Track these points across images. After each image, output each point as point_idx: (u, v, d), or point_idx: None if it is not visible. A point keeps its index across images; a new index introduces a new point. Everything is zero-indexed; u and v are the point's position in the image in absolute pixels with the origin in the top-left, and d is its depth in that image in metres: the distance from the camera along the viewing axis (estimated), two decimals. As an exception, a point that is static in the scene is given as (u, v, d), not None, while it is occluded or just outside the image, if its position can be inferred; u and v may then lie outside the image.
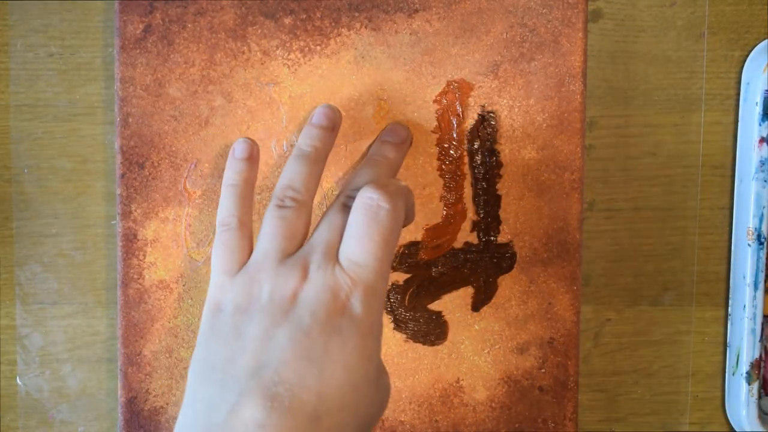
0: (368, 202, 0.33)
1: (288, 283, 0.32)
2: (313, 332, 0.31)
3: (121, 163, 0.41)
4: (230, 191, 0.36)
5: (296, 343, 0.31)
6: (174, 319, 0.41)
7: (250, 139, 0.38)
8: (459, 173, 0.41)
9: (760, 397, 0.44)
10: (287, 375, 0.30)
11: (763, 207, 0.43)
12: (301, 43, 0.40)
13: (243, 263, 0.34)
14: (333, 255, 0.33)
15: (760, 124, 0.43)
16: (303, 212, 0.35)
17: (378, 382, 0.32)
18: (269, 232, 0.34)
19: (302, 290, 0.32)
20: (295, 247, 0.34)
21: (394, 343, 0.42)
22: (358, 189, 0.35)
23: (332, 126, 0.38)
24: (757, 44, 0.43)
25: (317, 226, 0.35)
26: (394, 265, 0.41)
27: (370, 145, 0.40)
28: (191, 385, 0.32)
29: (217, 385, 0.31)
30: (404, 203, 0.34)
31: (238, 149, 0.38)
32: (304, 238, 0.35)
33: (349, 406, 0.31)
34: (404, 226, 0.35)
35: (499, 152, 0.41)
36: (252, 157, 0.38)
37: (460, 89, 0.41)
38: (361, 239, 0.33)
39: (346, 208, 0.34)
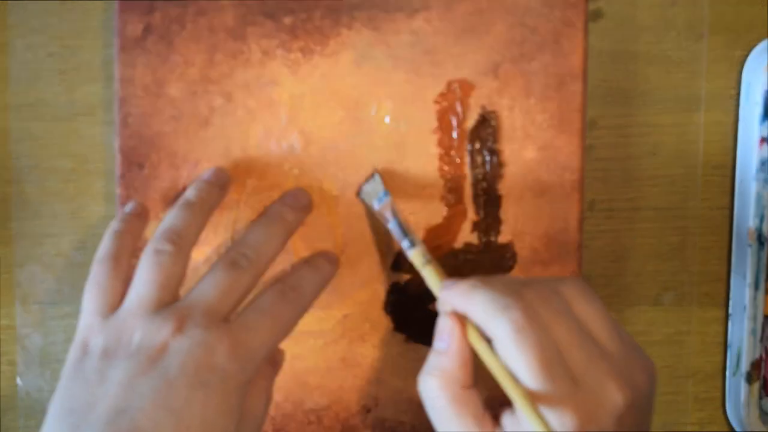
0: (281, 288, 0.35)
1: (160, 332, 0.32)
2: (178, 383, 0.31)
3: (121, 163, 0.40)
4: (113, 236, 0.37)
5: (158, 393, 0.31)
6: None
7: (141, 202, 0.39)
8: (459, 174, 0.41)
9: (760, 398, 0.44)
10: (143, 423, 0.30)
11: (764, 207, 0.43)
12: (301, 43, 0.40)
13: (115, 305, 0.34)
14: (214, 316, 0.33)
15: (760, 124, 0.43)
16: (180, 259, 0.35)
17: None
18: (145, 278, 0.34)
19: (174, 341, 0.32)
20: (169, 295, 0.34)
21: (394, 344, 0.42)
22: (250, 247, 0.35)
23: (221, 184, 0.39)
24: (758, 44, 0.43)
25: (203, 278, 0.35)
26: (395, 265, 0.41)
27: (269, 206, 0.40)
28: (46, 429, 0.32)
29: (71, 429, 0.31)
30: (316, 296, 0.37)
31: (128, 206, 0.39)
32: (179, 285, 0.35)
33: None
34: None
35: (499, 152, 0.41)
36: (140, 215, 0.39)
37: (460, 89, 0.41)
38: (260, 319, 0.34)
39: (235, 266, 0.35)
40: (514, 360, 0.31)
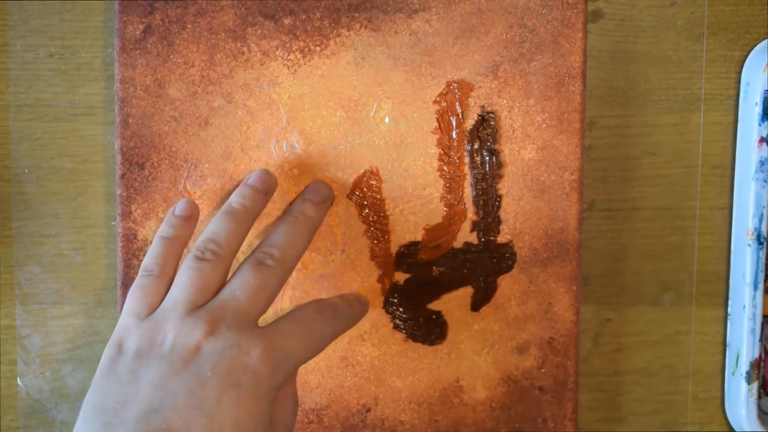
0: (319, 305, 0.36)
1: (193, 334, 0.33)
2: (210, 384, 0.31)
3: (121, 163, 0.41)
4: (162, 242, 0.37)
5: (191, 393, 0.31)
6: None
7: (192, 201, 0.39)
8: (459, 174, 0.41)
9: (759, 397, 0.44)
10: (175, 422, 0.30)
11: (763, 207, 0.43)
12: (301, 44, 0.40)
13: (153, 309, 0.34)
14: (246, 318, 0.34)
15: (759, 124, 0.43)
16: (220, 267, 0.35)
17: None
18: (183, 282, 0.34)
19: (207, 343, 0.32)
20: (206, 299, 0.34)
21: (393, 343, 0.42)
22: (275, 246, 0.36)
23: (266, 190, 0.39)
24: (757, 44, 0.43)
25: (231, 278, 0.35)
26: (396, 265, 0.41)
27: (292, 202, 0.40)
28: (78, 427, 0.32)
29: (103, 428, 0.30)
30: (351, 318, 0.38)
31: (179, 207, 0.38)
32: (218, 292, 0.35)
33: None
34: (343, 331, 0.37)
35: (499, 152, 0.41)
36: (191, 217, 0.38)
37: (459, 90, 0.41)
38: (296, 328, 0.34)
39: (261, 266, 0.35)
40: None
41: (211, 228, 0.36)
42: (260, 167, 0.41)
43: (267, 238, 0.37)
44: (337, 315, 0.37)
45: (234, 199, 0.38)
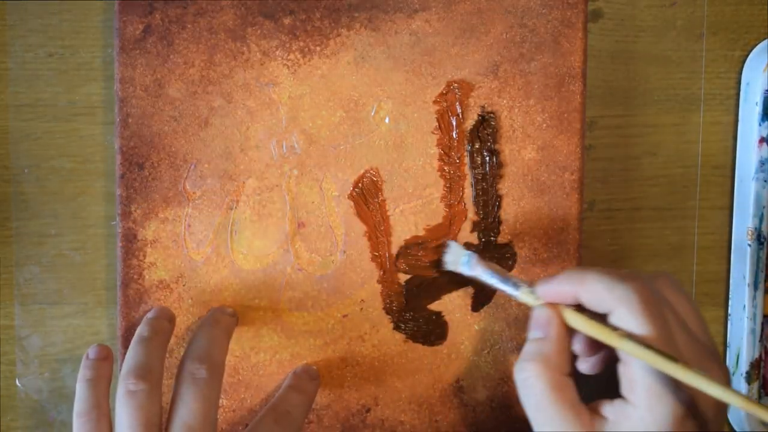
0: (274, 416, 0.38)
1: None
2: None
3: (121, 163, 0.40)
4: (87, 385, 0.37)
5: None
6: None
7: (103, 344, 0.39)
8: (459, 174, 0.41)
9: (760, 397, 0.44)
10: None
11: (763, 207, 0.43)
12: (301, 44, 0.40)
13: None
14: None
15: (760, 124, 0.43)
16: (155, 394, 0.35)
17: None
18: (127, 424, 0.35)
19: None
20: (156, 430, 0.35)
21: (393, 344, 0.42)
22: (202, 354, 0.36)
23: (167, 317, 0.40)
24: (757, 44, 0.43)
25: (174, 405, 0.35)
26: (396, 266, 0.41)
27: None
28: None
29: None
30: (306, 416, 0.40)
31: (92, 351, 0.38)
32: (160, 419, 0.35)
33: None
34: None
35: (499, 152, 0.41)
36: (107, 357, 0.38)
37: (460, 90, 0.41)
38: None
39: (197, 381, 0.35)
40: (639, 328, 0.31)
41: (131, 359, 0.37)
42: (260, 167, 0.41)
43: (190, 350, 0.37)
44: (294, 418, 0.38)
45: (142, 329, 0.38)
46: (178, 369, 0.36)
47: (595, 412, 0.32)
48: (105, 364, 0.38)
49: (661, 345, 0.30)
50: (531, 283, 0.35)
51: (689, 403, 0.30)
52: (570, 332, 0.34)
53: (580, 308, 0.33)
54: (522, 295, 0.35)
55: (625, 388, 0.32)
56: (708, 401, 0.31)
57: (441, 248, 0.41)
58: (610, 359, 0.34)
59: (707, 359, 0.32)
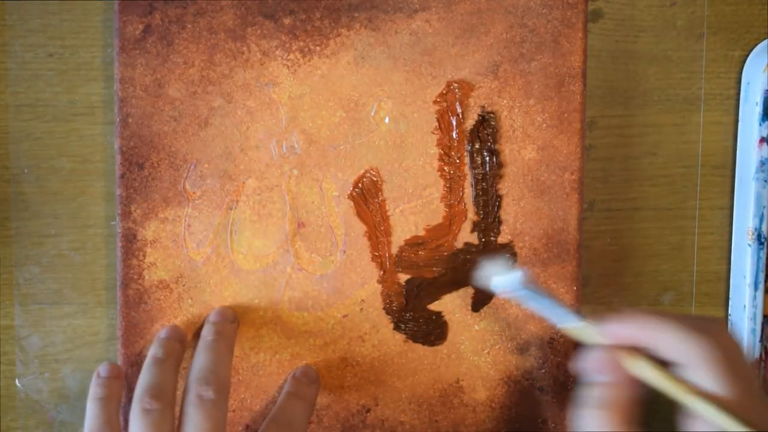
0: (276, 428, 0.38)
1: None
2: None
3: (121, 163, 0.40)
4: (99, 404, 0.37)
5: None
6: (174, 319, 0.41)
7: (113, 362, 0.40)
8: (459, 174, 0.41)
9: (760, 397, 0.44)
10: None
11: (763, 207, 0.43)
12: (301, 44, 0.40)
13: None
14: None
15: (760, 124, 0.43)
16: (169, 413, 0.36)
17: None
18: None
19: None
20: None
21: (393, 344, 0.42)
22: (208, 375, 0.36)
23: (178, 338, 0.40)
24: (757, 44, 0.43)
25: (180, 426, 0.36)
26: (396, 266, 0.41)
27: (199, 331, 0.41)
28: None
29: None
30: (308, 420, 0.40)
31: (103, 369, 0.39)
32: None
33: None
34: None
35: (499, 152, 0.41)
36: (117, 376, 0.39)
37: (460, 89, 0.41)
38: None
39: (204, 402, 0.36)
40: (719, 389, 0.30)
41: (145, 379, 0.37)
42: (260, 167, 0.41)
43: (195, 369, 0.37)
44: (295, 427, 0.39)
45: (155, 350, 0.39)
46: (184, 390, 0.37)
47: None
48: (116, 382, 0.39)
49: (738, 410, 0.29)
50: (589, 323, 0.34)
51: None
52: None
53: (639, 350, 0.32)
54: (583, 330, 0.34)
55: None
56: None
57: (475, 264, 0.41)
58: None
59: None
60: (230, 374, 0.38)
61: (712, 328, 0.31)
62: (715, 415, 0.29)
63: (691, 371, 0.30)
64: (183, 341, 0.40)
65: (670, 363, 0.31)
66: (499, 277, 0.38)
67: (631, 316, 0.32)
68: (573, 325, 0.34)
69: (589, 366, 0.32)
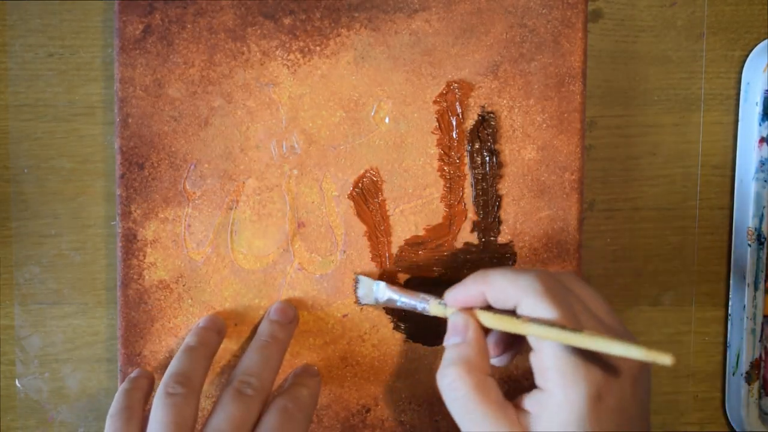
0: (283, 404, 0.37)
1: None
2: None
3: (121, 163, 0.40)
4: (124, 394, 0.38)
5: None
6: (174, 319, 0.41)
7: (146, 371, 0.41)
8: (459, 174, 0.41)
9: (760, 397, 0.44)
10: None
11: (763, 207, 0.43)
12: (301, 44, 0.40)
13: None
14: None
15: (760, 124, 0.43)
16: (192, 400, 0.36)
17: None
18: (160, 420, 0.35)
19: None
20: None
21: (394, 343, 0.42)
22: (252, 374, 0.37)
23: (217, 329, 0.40)
24: (757, 44, 0.43)
25: (214, 409, 0.36)
26: (396, 266, 0.41)
27: (257, 325, 0.41)
28: None
29: None
30: (314, 409, 0.40)
31: (134, 373, 0.40)
32: (194, 424, 0.36)
33: None
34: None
35: (499, 152, 0.41)
36: (147, 377, 0.40)
37: (460, 89, 0.41)
38: None
39: (242, 396, 0.36)
40: (544, 312, 0.32)
41: (174, 365, 0.37)
42: (260, 167, 0.41)
43: (242, 365, 0.38)
44: (302, 404, 0.38)
45: (190, 338, 0.39)
46: (228, 379, 0.37)
47: (518, 408, 0.33)
48: (145, 381, 0.39)
49: (566, 323, 0.31)
50: (442, 301, 0.37)
51: (603, 381, 0.31)
52: (485, 333, 0.35)
53: (490, 308, 0.35)
54: (432, 307, 0.37)
55: (538, 377, 0.32)
56: (625, 376, 0.32)
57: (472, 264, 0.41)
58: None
59: (614, 335, 0.32)
60: (276, 376, 0.38)
61: (536, 270, 0.34)
62: (548, 332, 0.31)
63: (521, 307, 0.33)
64: (221, 332, 0.40)
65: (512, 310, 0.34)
66: (363, 292, 0.41)
67: (466, 279, 0.35)
68: (429, 307, 0.37)
69: (447, 333, 0.36)
